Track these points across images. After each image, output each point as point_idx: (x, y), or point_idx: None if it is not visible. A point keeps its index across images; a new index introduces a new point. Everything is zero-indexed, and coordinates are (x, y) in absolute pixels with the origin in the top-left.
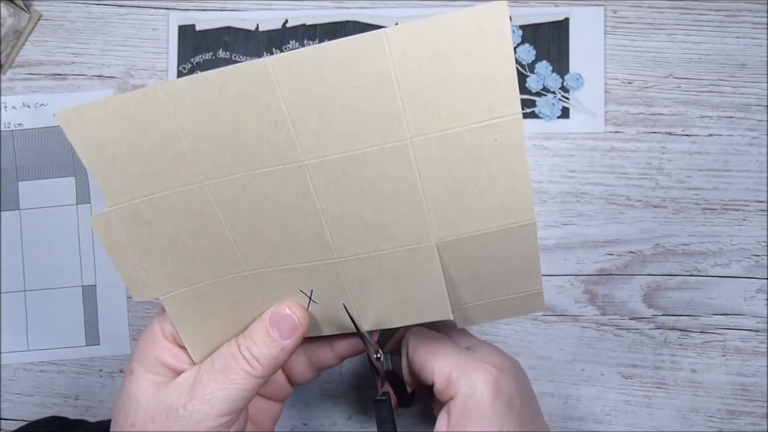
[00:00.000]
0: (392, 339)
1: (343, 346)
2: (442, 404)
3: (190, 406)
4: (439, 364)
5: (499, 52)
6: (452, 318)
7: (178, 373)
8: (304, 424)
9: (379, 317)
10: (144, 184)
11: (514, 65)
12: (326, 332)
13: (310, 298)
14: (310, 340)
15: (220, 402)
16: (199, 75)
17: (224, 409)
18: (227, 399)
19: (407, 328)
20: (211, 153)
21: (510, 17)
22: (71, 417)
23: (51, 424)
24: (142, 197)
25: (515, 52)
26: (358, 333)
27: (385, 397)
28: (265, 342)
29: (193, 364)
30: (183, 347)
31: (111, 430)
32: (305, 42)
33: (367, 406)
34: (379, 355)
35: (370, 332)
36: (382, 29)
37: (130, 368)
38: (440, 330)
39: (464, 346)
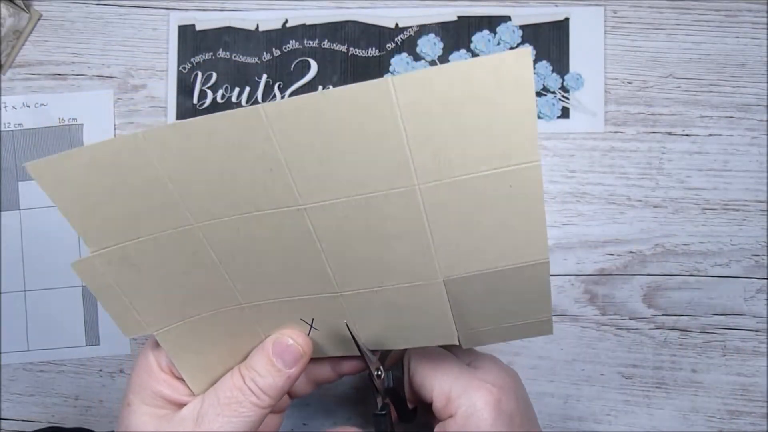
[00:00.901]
0: (392, 354)
1: (345, 367)
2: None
3: None
4: (438, 383)
5: (520, 100)
6: (457, 343)
7: (177, 405)
8: (304, 424)
9: (381, 340)
10: (130, 228)
11: (535, 113)
12: (329, 354)
13: (312, 326)
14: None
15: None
16: (184, 122)
17: None
18: (237, 427)
19: None
20: (201, 198)
21: (510, 17)
22: (71, 417)
23: None
24: (128, 241)
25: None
26: (359, 352)
27: (384, 412)
28: (270, 372)
29: (193, 394)
30: (180, 378)
31: None
32: (305, 42)
33: (367, 407)
34: (380, 373)
35: (372, 350)
36: (388, 77)
37: (127, 401)
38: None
39: (466, 361)
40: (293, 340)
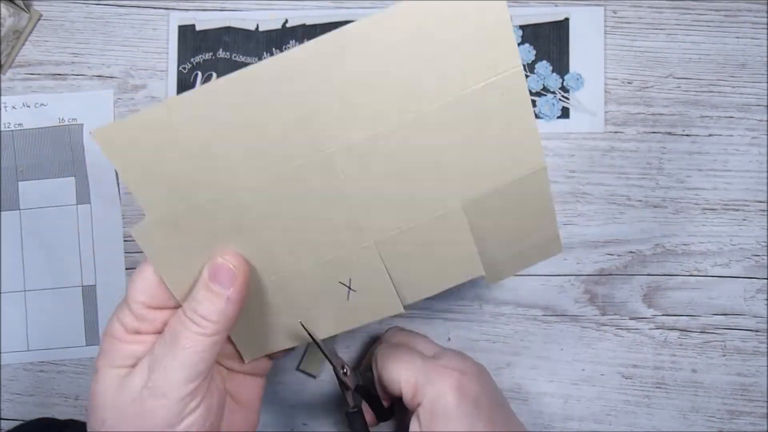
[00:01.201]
0: (365, 358)
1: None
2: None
3: (151, 383)
4: (405, 374)
5: (494, 13)
6: (483, 274)
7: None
8: (304, 423)
9: (418, 288)
10: (182, 193)
11: (509, 22)
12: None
13: (350, 288)
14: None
15: (179, 371)
16: (225, 79)
17: (185, 377)
18: (186, 365)
19: (376, 347)
20: (240, 158)
21: (510, 17)
22: (71, 417)
23: (40, 427)
24: (180, 204)
25: None
26: (321, 352)
27: (356, 410)
28: (207, 297)
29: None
30: (146, 336)
31: (88, 426)
32: (305, 42)
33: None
34: (345, 370)
35: (331, 346)
36: (396, 4)
37: (95, 368)
38: (406, 343)
39: (429, 354)
40: (224, 259)
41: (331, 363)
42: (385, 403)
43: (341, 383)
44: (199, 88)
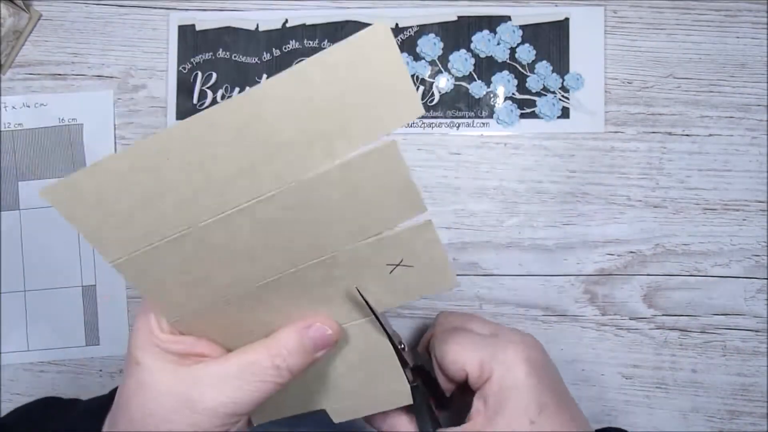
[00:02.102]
0: (419, 345)
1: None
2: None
3: (212, 402)
4: (468, 355)
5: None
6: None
7: (191, 357)
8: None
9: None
10: (141, 237)
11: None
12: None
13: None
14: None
15: (247, 405)
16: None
17: (245, 410)
18: (254, 402)
19: (428, 334)
20: (190, 200)
21: (510, 17)
22: None
23: (45, 406)
24: (139, 250)
25: (515, 52)
26: (380, 324)
27: (416, 384)
28: (299, 352)
29: (204, 355)
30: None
31: (119, 419)
32: (305, 42)
33: None
34: (403, 346)
35: (388, 321)
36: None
37: (134, 360)
38: (461, 325)
39: (486, 333)
40: (331, 330)
41: (390, 337)
42: (446, 393)
43: (401, 359)
44: (133, 144)
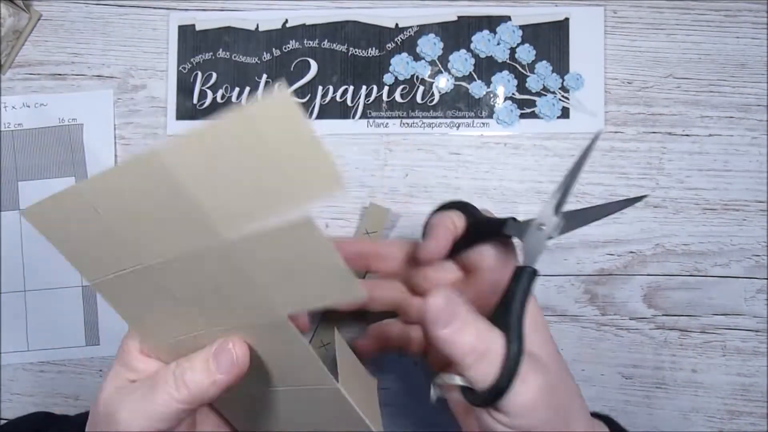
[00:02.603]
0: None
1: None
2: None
3: (120, 414)
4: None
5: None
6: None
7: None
8: None
9: None
10: (110, 264)
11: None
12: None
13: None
14: None
15: (142, 417)
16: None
17: (144, 424)
18: (148, 416)
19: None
20: (132, 242)
21: (510, 17)
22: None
23: (36, 421)
24: (111, 274)
25: (515, 52)
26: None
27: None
28: (200, 369)
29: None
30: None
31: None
32: (305, 42)
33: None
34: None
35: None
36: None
37: (112, 366)
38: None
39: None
40: (232, 345)
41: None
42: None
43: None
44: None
